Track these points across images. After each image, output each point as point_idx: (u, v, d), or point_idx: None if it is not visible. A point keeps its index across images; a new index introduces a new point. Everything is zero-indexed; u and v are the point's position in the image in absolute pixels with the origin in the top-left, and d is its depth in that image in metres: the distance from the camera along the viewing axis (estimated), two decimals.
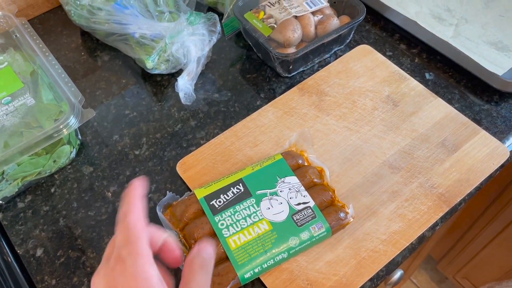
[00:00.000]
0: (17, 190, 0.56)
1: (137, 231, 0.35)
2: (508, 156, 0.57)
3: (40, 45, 0.61)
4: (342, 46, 0.69)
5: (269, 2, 0.65)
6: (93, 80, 0.68)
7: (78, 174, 0.59)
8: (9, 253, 0.54)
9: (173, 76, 0.68)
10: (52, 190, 0.58)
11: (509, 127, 0.60)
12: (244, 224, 0.49)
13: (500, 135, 0.59)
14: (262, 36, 0.63)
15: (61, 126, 0.53)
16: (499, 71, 0.63)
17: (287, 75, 0.67)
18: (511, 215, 1.05)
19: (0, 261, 0.52)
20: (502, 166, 0.57)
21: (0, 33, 0.63)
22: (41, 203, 0.57)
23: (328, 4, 0.67)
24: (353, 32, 0.69)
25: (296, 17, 0.64)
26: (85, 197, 0.57)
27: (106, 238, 0.53)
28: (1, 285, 0.51)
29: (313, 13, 0.65)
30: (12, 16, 0.64)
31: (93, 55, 0.71)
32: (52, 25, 0.75)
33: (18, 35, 0.62)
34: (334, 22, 0.64)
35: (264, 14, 0.65)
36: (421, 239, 0.52)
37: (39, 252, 0.53)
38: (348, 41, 0.69)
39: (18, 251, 0.53)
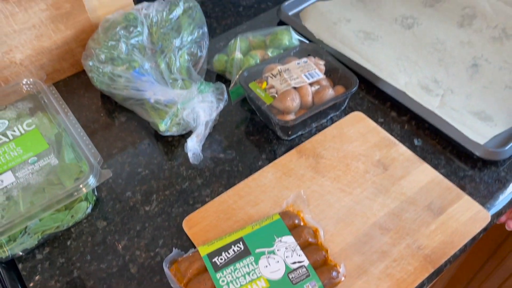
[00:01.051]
0: (36, 242, 0.61)
1: None
2: (489, 220, 0.61)
3: (65, 109, 0.68)
4: (337, 112, 0.76)
5: (271, 74, 0.73)
6: (110, 139, 0.75)
7: (92, 228, 0.64)
8: None
9: (183, 137, 0.74)
10: (68, 242, 0.63)
11: (491, 192, 0.65)
12: (243, 281, 0.54)
13: (483, 200, 0.64)
14: (264, 104, 0.70)
15: (80, 185, 0.59)
16: (482, 140, 0.69)
17: (286, 138, 0.73)
18: (508, 270, 1.07)
19: None
20: (484, 229, 0.62)
21: (30, 98, 0.70)
22: (58, 255, 0.61)
23: (324, 76, 0.73)
24: (347, 100, 0.76)
25: (295, 87, 0.71)
26: (98, 250, 0.62)
27: None
28: None
29: (311, 84, 0.72)
30: (41, 82, 0.71)
31: (111, 116, 0.78)
32: (75, 88, 0.83)
33: (46, 100, 0.69)
34: (330, 92, 0.71)
35: (267, 84, 0.72)
36: None
37: None
38: (343, 108, 0.76)
39: None
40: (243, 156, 0.71)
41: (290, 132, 0.71)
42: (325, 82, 0.73)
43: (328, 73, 0.75)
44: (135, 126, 0.77)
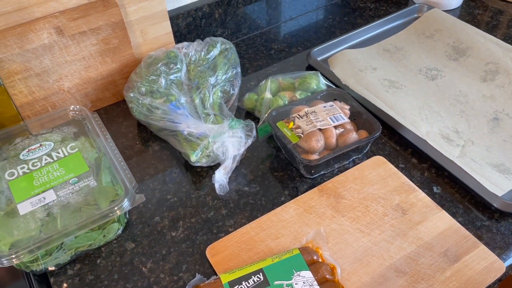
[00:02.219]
0: (69, 258, 0.65)
1: None
2: (504, 271, 0.63)
3: (106, 136, 0.73)
4: (360, 155, 0.79)
5: (298, 115, 0.77)
6: (143, 165, 0.80)
7: (121, 249, 0.68)
8: None
9: (211, 168, 0.79)
10: (98, 261, 0.67)
11: (507, 244, 0.66)
12: None
13: (499, 251, 0.65)
14: (290, 142, 0.74)
15: (115, 208, 0.63)
16: (500, 192, 0.71)
17: (309, 176, 0.76)
18: None
19: None
20: (499, 280, 0.63)
21: (75, 123, 0.76)
22: (87, 272, 0.65)
23: (349, 120, 0.78)
24: (370, 144, 0.79)
25: (320, 129, 0.75)
26: (125, 270, 0.65)
27: None
28: None
29: (336, 126, 0.76)
30: (86, 109, 0.78)
31: (146, 144, 0.84)
32: (114, 116, 0.89)
33: (89, 126, 0.75)
34: (353, 136, 0.75)
35: (293, 124, 0.76)
36: None
37: None
38: (365, 151, 0.79)
39: None
40: (267, 191, 0.75)
41: (313, 171, 0.75)
42: (349, 126, 0.77)
43: (353, 117, 0.80)
44: (167, 155, 0.82)
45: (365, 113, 0.79)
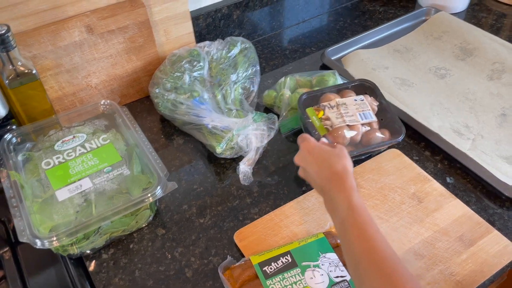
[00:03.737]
0: (104, 243, 0.69)
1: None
2: None
3: (136, 128, 0.77)
4: (378, 153, 0.82)
5: (329, 104, 0.79)
6: (169, 158, 0.83)
7: (152, 235, 0.71)
8: None
9: (234, 160, 0.82)
10: (131, 246, 0.70)
11: None
12: None
13: (511, 236, 0.69)
14: (318, 134, 0.76)
15: (149, 195, 0.66)
16: (510, 182, 0.75)
17: None
18: None
19: None
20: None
21: (105, 117, 0.80)
22: (121, 256, 0.69)
23: (376, 119, 0.79)
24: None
25: (348, 125, 0.76)
26: (157, 254, 0.69)
27: None
28: None
29: (363, 124, 0.77)
30: (116, 103, 0.81)
31: (170, 138, 0.87)
32: (138, 111, 0.93)
33: (119, 119, 0.79)
34: (378, 135, 0.76)
35: (323, 114, 0.78)
36: None
37: None
38: (384, 150, 0.82)
39: None
40: (288, 181, 0.79)
41: None
42: (375, 125, 0.78)
43: (379, 114, 0.80)
44: (191, 148, 0.85)
45: (390, 113, 0.79)
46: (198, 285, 0.65)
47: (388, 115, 0.80)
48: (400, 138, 0.76)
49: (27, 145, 0.76)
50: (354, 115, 0.77)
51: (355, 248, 0.53)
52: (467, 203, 0.74)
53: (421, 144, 0.84)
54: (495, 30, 1.12)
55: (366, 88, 0.84)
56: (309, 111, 0.79)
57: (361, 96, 0.81)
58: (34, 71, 0.74)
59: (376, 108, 0.81)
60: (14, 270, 0.67)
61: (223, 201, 0.76)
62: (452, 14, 1.15)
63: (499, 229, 0.70)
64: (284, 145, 0.85)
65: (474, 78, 0.97)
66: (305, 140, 0.67)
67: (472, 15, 1.18)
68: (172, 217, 0.74)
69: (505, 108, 0.90)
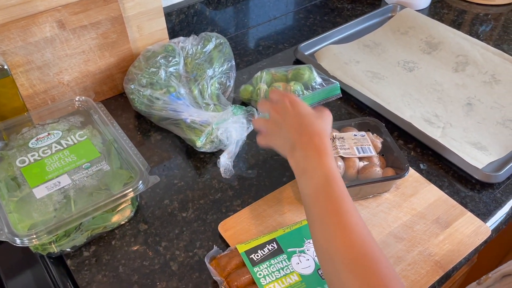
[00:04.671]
0: (85, 240, 0.67)
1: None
2: (490, 234, 0.70)
3: (113, 123, 0.76)
4: (382, 193, 0.75)
5: None
6: (147, 154, 0.82)
7: (135, 231, 0.70)
8: None
9: (213, 154, 0.82)
10: (113, 242, 0.69)
11: (490, 210, 0.74)
12: (278, 275, 0.60)
13: (483, 217, 0.73)
14: None
15: (130, 189, 0.65)
16: (480, 166, 0.79)
17: None
18: None
19: None
20: (485, 241, 0.70)
21: (81, 113, 0.78)
22: (104, 252, 0.67)
23: (377, 154, 0.74)
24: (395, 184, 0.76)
25: (342, 157, 0.72)
26: (140, 250, 0.68)
27: (158, 284, 0.63)
28: None
29: (360, 158, 0.72)
30: (91, 100, 0.80)
31: (147, 135, 0.86)
32: (113, 109, 0.91)
33: (96, 116, 0.77)
34: (377, 171, 0.71)
35: None
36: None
37: None
38: (389, 189, 0.75)
39: None
40: (269, 173, 0.79)
41: None
42: (376, 160, 0.73)
43: (383, 152, 0.76)
44: (169, 144, 0.85)
45: (396, 151, 0.74)
46: (184, 278, 0.64)
47: (394, 153, 0.74)
48: (404, 174, 0.70)
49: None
50: (350, 148, 0.73)
51: (327, 224, 0.48)
52: (440, 187, 0.77)
53: (394, 134, 0.87)
54: (457, 25, 1.18)
55: (370, 126, 0.79)
56: None
57: (363, 132, 0.76)
58: (5, 67, 0.71)
59: (379, 146, 0.75)
60: None
61: (205, 195, 0.76)
62: (416, 10, 1.20)
63: (471, 211, 0.73)
64: None
65: (440, 71, 1.02)
66: (286, 94, 0.61)
67: (435, 11, 1.24)
68: (154, 212, 0.73)
69: (470, 97, 0.94)
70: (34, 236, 0.59)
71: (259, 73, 0.91)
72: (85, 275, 0.64)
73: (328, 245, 0.48)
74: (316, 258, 0.62)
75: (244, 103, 0.93)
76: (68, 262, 0.66)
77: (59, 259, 0.67)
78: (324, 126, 0.58)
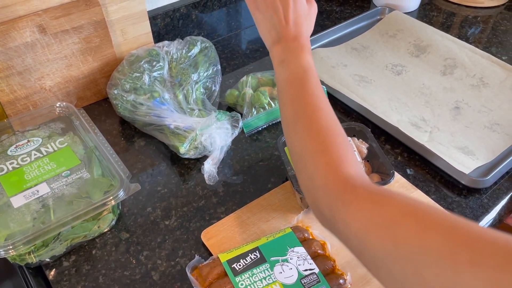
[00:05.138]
0: (64, 250, 0.66)
1: None
2: None
3: (95, 130, 0.74)
4: None
5: None
6: (131, 161, 0.81)
7: (116, 239, 0.69)
8: None
9: (198, 161, 0.81)
10: (93, 252, 0.67)
11: (476, 216, 0.73)
12: (260, 285, 0.59)
13: None
14: (292, 170, 0.69)
15: (110, 197, 0.64)
16: (466, 171, 0.78)
17: (306, 208, 0.75)
18: None
19: None
20: None
21: (62, 119, 0.77)
22: (84, 262, 0.66)
23: (362, 160, 0.73)
24: None
25: None
26: (121, 259, 0.66)
27: None
28: None
29: None
30: (73, 106, 0.78)
31: (131, 140, 0.85)
32: (96, 114, 0.90)
33: (77, 122, 0.76)
34: None
35: None
36: None
37: None
38: None
39: None
40: (254, 179, 0.78)
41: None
42: (362, 167, 0.72)
43: (369, 158, 0.75)
44: (153, 150, 0.83)
45: (382, 156, 0.73)
46: (166, 287, 0.63)
47: (379, 159, 0.73)
48: (390, 180, 0.69)
49: None
50: None
51: (297, 107, 0.52)
52: (427, 193, 0.76)
53: (381, 138, 0.86)
54: (446, 28, 1.17)
55: (356, 131, 0.78)
56: (287, 149, 0.74)
57: (349, 138, 0.73)
58: None
59: (365, 152, 0.75)
60: None
61: (189, 202, 0.74)
62: (405, 13, 1.19)
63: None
64: (248, 143, 0.85)
65: (428, 74, 1.01)
66: None
67: (424, 14, 1.23)
68: (136, 220, 0.72)
69: (458, 101, 0.94)
70: (11, 246, 0.58)
71: (244, 78, 0.90)
72: (64, 285, 0.63)
73: (300, 144, 0.51)
74: (299, 267, 0.61)
75: (230, 108, 0.92)
76: (47, 272, 0.65)
77: (38, 270, 0.66)
78: (310, 28, 0.62)
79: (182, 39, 0.92)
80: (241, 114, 0.86)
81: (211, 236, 0.68)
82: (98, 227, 0.68)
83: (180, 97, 0.85)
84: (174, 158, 0.82)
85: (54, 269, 0.65)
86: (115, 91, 0.84)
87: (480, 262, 0.31)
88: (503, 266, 0.29)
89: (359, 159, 0.73)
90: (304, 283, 0.60)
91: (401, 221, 0.37)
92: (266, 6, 0.60)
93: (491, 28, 1.19)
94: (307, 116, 0.51)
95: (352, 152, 0.50)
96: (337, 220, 0.43)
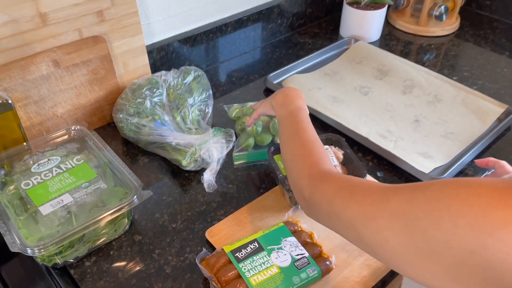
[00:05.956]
0: (87, 251, 0.75)
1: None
2: None
3: (107, 148, 0.85)
4: None
5: None
6: (137, 175, 0.91)
7: (130, 241, 0.79)
8: None
9: (197, 173, 0.92)
10: (111, 252, 0.77)
11: None
12: (260, 269, 0.70)
13: None
14: (281, 173, 0.84)
15: (126, 203, 0.75)
16: (426, 171, 0.92)
17: (294, 206, 0.88)
18: None
19: None
20: None
21: (76, 140, 0.87)
22: (103, 262, 0.75)
23: (339, 164, 0.86)
24: None
25: None
26: (136, 257, 0.76)
27: (155, 285, 0.72)
28: None
29: None
30: (85, 128, 0.89)
31: (135, 158, 0.96)
32: (102, 137, 0.99)
33: (90, 142, 0.86)
34: None
35: None
36: (384, 282, 0.74)
37: None
38: None
39: None
40: (247, 186, 0.90)
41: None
42: (339, 169, 0.85)
43: (344, 162, 0.87)
44: (156, 166, 0.94)
45: (356, 160, 0.85)
46: (178, 278, 0.73)
47: (354, 162, 0.86)
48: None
49: (1, 171, 0.81)
50: None
51: (293, 137, 0.72)
52: None
53: (354, 148, 1.00)
54: (404, 54, 1.34)
55: (333, 141, 0.91)
56: (276, 157, 0.87)
57: (326, 146, 0.89)
58: (9, 101, 0.80)
59: (341, 157, 0.87)
60: None
61: (192, 208, 0.85)
62: (368, 43, 1.36)
63: None
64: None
65: (391, 93, 1.17)
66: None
67: (385, 43, 1.41)
68: (147, 225, 0.82)
69: (417, 115, 1.09)
70: (42, 247, 0.67)
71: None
72: (88, 282, 0.72)
73: (292, 153, 0.71)
74: (292, 253, 0.72)
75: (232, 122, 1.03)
76: (72, 271, 0.74)
77: (63, 270, 0.74)
78: (303, 101, 0.83)
79: (177, 69, 1.05)
80: (234, 131, 0.98)
81: (214, 234, 0.79)
82: (115, 230, 0.77)
83: (178, 118, 0.97)
84: (176, 172, 0.93)
85: (77, 269, 0.74)
86: (120, 115, 0.95)
87: (395, 192, 0.48)
88: (412, 192, 0.46)
89: (336, 162, 0.86)
90: (297, 265, 0.71)
91: (346, 189, 0.56)
92: (266, 101, 0.88)
93: (444, 53, 1.37)
94: (298, 135, 0.72)
95: (327, 155, 0.69)
96: (315, 197, 0.60)
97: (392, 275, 0.75)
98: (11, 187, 0.77)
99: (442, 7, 1.39)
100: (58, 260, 0.72)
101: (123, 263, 0.75)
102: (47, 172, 0.80)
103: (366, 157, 0.98)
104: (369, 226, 0.49)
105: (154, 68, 1.13)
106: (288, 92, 0.83)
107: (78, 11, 0.90)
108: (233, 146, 0.94)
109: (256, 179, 0.92)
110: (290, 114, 0.77)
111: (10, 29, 0.83)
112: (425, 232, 0.42)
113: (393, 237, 0.46)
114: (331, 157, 0.87)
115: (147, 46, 1.09)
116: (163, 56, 1.13)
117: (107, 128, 1.03)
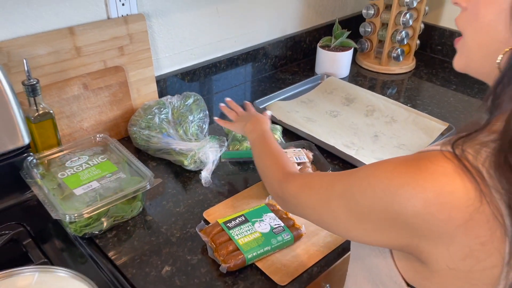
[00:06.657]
0: (109, 226, 0.95)
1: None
2: None
3: (125, 150, 1.07)
4: None
5: None
6: None
7: (143, 220, 0.99)
8: (107, 261, 0.90)
9: (196, 173, 1.14)
10: (128, 228, 0.97)
11: None
12: (245, 233, 0.90)
13: None
14: None
15: (141, 185, 0.96)
16: None
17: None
18: None
19: (106, 263, 0.88)
20: None
21: (100, 145, 1.09)
22: (122, 234, 0.95)
23: (309, 162, 1.09)
24: None
25: None
26: (148, 231, 0.96)
27: (164, 250, 0.91)
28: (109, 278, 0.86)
29: (298, 163, 1.08)
30: (108, 136, 1.11)
31: (146, 163, 1.17)
32: None
33: (112, 145, 1.09)
34: (308, 170, 1.07)
35: None
36: (344, 249, 0.94)
37: (124, 258, 0.90)
38: None
39: (112, 258, 0.89)
40: (236, 182, 1.11)
41: None
42: (308, 164, 1.08)
43: (314, 161, 1.11)
44: (162, 168, 1.16)
45: (322, 159, 1.11)
46: (181, 245, 0.93)
47: (321, 161, 1.11)
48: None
49: (41, 167, 1.02)
50: (291, 157, 1.08)
51: (264, 154, 0.91)
52: None
53: (324, 155, 1.23)
54: (370, 88, 1.61)
55: (305, 146, 1.17)
56: None
57: (299, 148, 1.13)
58: (51, 111, 1.03)
59: (311, 157, 1.11)
60: (41, 257, 0.90)
61: (192, 197, 1.06)
62: (339, 78, 1.63)
63: None
64: (227, 162, 1.19)
65: (355, 116, 1.41)
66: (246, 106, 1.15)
67: (353, 79, 1.68)
68: (156, 209, 1.02)
69: (377, 132, 1.33)
70: (77, 214, 0.87)
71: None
72: (110, 248, 0.92)
73: (263, 164, 0.90)
74: (271, 223, 0.93)
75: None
76: (97, 241, 0.93)
77: (90, 240, 0.94)
78: (268, 125, 1.04)
79: (180, 94, 1.29)
80: (226, 139, 1.21)
81: (210, 214, 1.00)
82: (131, 210, 0.98)
83: (181, 132, 1.20)
84: (179, 173, 1.14)
85: (101, 239, 0.94)
86: (134, 128, 1.18)
87: (339, 179, 0.63)
88: (349, 176, 0.62)
89: (307, 160, 1.09)
90: (275, 231, 0.91)
91: (305, 185, 0.71)
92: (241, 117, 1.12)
93: (402, 87, 1.64)
94: (266, 151, 0.91)
95: (290, 162, 0.87)
96: (285, 194, 0.76)
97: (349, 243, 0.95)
98: (50, 177, 0.98)
99: (399, 49, 1.68)
100: (87, 230, 0.92)
101: (138, 235, 0.95)
102: (78, 166, 1.01)
103: (333, 162, 1.20)
104: (326, 208, 0.64)
105: (161, 94, 1.37)
106: (256, 120, 1.03)
107: (104, 46, 1.15)
108: (225, 149, 1.17)
109: (243, 177, 1.13)
110: (259, 137, 0.96)
111: (52, 58, 1.08)
112: (358, 201, 0.57)
113: (341, 211, 0.60)
114: (303, 156, 1.10)
115: (156, 77, 1.34)
116: (168, 85, 1.38)
117: (122, 141, 1.25)
